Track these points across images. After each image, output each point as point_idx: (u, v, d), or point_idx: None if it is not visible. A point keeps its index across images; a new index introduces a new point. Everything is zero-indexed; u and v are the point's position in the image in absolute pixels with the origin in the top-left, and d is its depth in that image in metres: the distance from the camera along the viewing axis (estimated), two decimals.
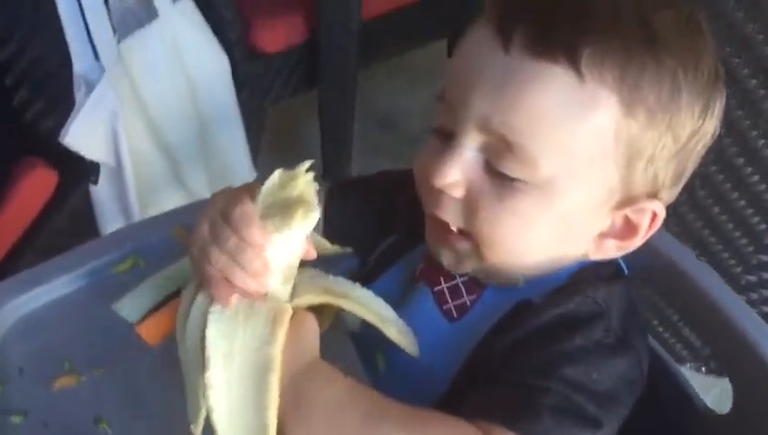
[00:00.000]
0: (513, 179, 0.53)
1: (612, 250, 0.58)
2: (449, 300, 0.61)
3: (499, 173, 0.53)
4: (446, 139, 0.55)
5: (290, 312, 0.51)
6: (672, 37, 0.52)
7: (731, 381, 0.64)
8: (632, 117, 0.51)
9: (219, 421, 0.47)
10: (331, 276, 0.56)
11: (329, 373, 0.51)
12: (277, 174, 0.51)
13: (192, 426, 0.50)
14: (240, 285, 0.50)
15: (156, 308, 0.62)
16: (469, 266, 0.59)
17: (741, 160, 1.00)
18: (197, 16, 1.38)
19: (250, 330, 0.49)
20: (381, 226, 0.72)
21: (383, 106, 1.99)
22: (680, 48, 0.52)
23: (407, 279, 0.66)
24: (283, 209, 0.50)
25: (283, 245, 0.51)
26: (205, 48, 1.40)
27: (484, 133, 0.53)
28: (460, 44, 0.56)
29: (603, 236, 0.57)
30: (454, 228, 0.57)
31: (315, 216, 0.50)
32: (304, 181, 0.51)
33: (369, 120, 1.91)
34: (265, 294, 0.51)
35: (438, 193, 0.55)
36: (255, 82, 1.53)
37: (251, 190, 0.51)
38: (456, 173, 0.54)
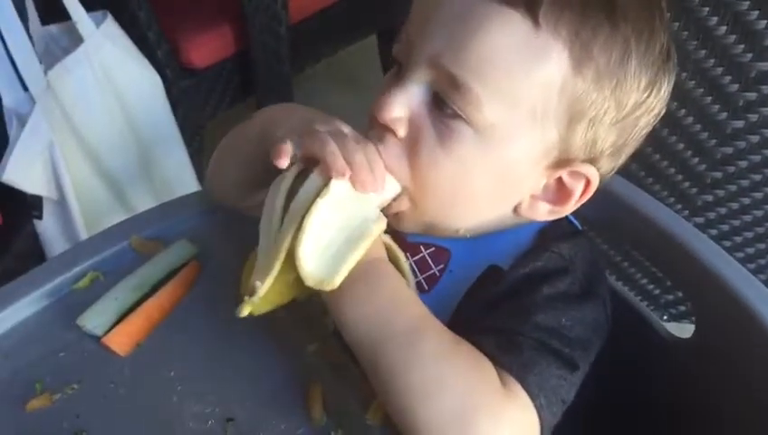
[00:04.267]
0: (455, 117, 0.53)
1: (544, 213, 0.59)
2: (418, 274, 0.61)
3: (442, 114, 0.53)
4: (399, 75, 0.56)
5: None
6: (632, 7, 0.52)
7: (693, 307, 0.66)
8: (580, 75, 0.52)
9: (305, 241, 0.50)
10: None
11: (397, 274, 0.55)
12: None
13: (258, 282, 0.52)
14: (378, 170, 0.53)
15: (121, 318, 0.62)
16: (407, 223, 0.59)
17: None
18: (124, 38, 1.36)
19: (362, 206, 0.53)
20: None
21: (321, 107, 1.99)
22: (637, 18, 0.52)
23: None
24: None
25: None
26: (135, 69, 1.38)
27: (434, 69, 0.53)
28: None
29: (536, 198, 0.58)
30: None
31: None
32: None
33: None
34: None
35: (383, 131, 0.55)
36: (190, 97, 1.52)
37: None
38: (401, 108, 0.54)
